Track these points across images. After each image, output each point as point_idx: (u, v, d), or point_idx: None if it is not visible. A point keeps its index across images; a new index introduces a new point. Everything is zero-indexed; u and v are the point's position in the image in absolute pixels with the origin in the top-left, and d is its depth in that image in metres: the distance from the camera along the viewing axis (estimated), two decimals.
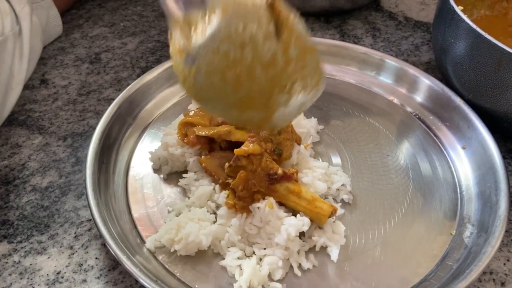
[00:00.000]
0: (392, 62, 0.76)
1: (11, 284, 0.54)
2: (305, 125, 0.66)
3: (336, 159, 0.66)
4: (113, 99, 0.67)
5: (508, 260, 0.57)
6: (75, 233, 0.58)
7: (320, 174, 0.60)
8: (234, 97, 0.45)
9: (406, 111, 0.73)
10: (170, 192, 0.61)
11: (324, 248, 0.56)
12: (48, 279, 0.54)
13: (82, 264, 0.55)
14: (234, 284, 0.52)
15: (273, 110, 0.46)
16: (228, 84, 0.44)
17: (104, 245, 0.57)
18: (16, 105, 0.71)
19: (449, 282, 0.51)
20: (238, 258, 0.54)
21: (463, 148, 0.66)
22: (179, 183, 0.61)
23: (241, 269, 0.53)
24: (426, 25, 0.94)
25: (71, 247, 0.57)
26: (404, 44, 0.89)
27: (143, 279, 0.48)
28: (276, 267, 0.53)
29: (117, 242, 0.52)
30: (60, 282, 0.54)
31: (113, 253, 0.51)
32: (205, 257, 0.55)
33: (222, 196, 0.57)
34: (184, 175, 0.61)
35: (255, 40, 0.43)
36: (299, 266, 0.54)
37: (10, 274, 0.54)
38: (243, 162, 0.55)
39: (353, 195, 0.61)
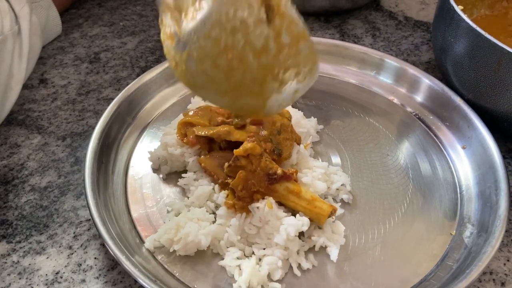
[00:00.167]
0: (392, 61, 0.76)
1: (10, 284, 0.53)
2: (305, 125, 0.66)
3: (336, 159, 0.66)
4: (113, 99, 0.67)
5: (508, 260, 0.57)
6: (74, 233, 0.58)
7: (319, 174, 0.60)
8: (227, 83, 0.45)
9: (406, 110, 0.73)
10: (169, 192, 0.61)
11: (323, 248, 0.55)
12: (47, 279, 0.54)
13: (81, 264, 0.55)
14: (234, 284, 0.52)
15: (267, 97, 0.46)
16: (220, 70, 0.44)
17: (103, 245, 0.57)
18: (15, 105, 0.71)
19: (449, 282, 0.51)
20: (238, 258, 0.54)
21: (463, 148, 0.66)
22: (178, 183, 0.61)
23: (240, 269, 0.52)
24: (426, 25, 0.93)
25: (70, 247, 0.57)
26: (404, 44, 0.89)
27: (142, 279, 0.48)
28: (276, 267, 0.53)
29: (116, 242, 0.51)
30: (59, 282, 0.54)
31: (112, 253, 0.51)
32: (204, 257, 0.55)
33: (221, 196, 0.57)
34: (183, 175, 0.61)
35: (246, 25, 0.42)
36: (299, 266, 0.54)
37: (9, 274, 0.54)
38: (243, 162, 0.55)
39: (352, 195, 0.61)
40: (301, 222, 0.54)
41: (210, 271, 0.53)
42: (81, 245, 0.57)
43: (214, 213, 0.57)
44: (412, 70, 0.74)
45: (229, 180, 0.56)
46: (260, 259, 0.54)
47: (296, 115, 0.66)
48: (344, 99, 0.75)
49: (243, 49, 0.43)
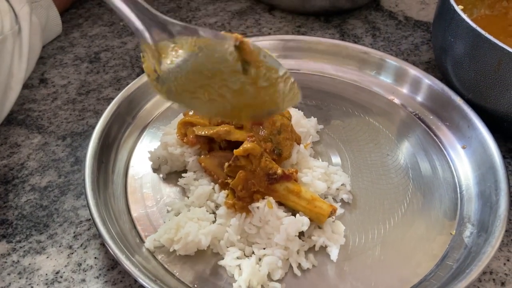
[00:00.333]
0: (392, 61, 0.76)
1: (9, 283, 0.53)
2: (305, 125, 0.66)
3: (336, 159, 0.66)
4: (113, 99, 0.67)
5: (508, 260, 0.57)
6: (74, 232, 0.58)
7: (319, 173, 0.60)
8: (208, 108, 0.47)
9: (406, 110, 0.73)
10: (169, 191, 0.61)
11: (323, 248, 0.55)
12: (47, 279, 0.54)
13: (81, 264, 0.55)
14: (234, 284, 0.52)
15: (247, 117, 0.50)
16: (201, 100, 0.46)
17: (103, 244, 0.57)
18: (15, 105, 0.71)
19: (449, 282, 0.51)
20: (238, 258, 0.54)
21: (463, 147, 0.66)
22: (178, 183, 0.61)
23: (240, 269, 0.52)
24: (426, 25, 0.93)
25: (70, 247, 0.57)
26: (404, 44, 0.89)
27: (142, 279, 0.48)
28: (276, 267, 0.53)
29: (116, 242, 0.51)
30: (59, 282, 0.54)
31: (112, 253, 0.51)
32: (204, 256, 0.55)
33: (221, 196, 0.57)
34: (183, 174, 0.61)
35: (222, 73, 0.45)
36: (299, 266, 0.54)
37: (9, 274, 0.54)
38: (243, 162, 0.55)
39: (352, 194, 0.61)
40: (301, 222, 0.54)
41: (210, 271, 0.53)
42: (81, 245, 0.57)
43: (214, 213, 0.58)
44: (412, 70, 0.74)
45: (229, 180, 0.56)
46: (260, 259, 0.54)
47: (296, 115, 0.66)
48: (344, 99, 0.75)
49: (220, 89, 0.46)
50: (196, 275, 0.53)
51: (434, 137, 0.69)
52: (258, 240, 0.55)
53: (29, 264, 0.55)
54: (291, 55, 0.79)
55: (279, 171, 0.55)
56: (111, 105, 0.66)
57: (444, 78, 0.74)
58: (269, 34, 0.90)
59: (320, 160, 0.64)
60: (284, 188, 0.56)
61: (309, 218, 0.55)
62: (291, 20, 0.94)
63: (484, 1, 0.77)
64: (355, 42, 0.88)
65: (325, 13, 0.95)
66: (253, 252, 0.54)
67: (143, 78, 0.71)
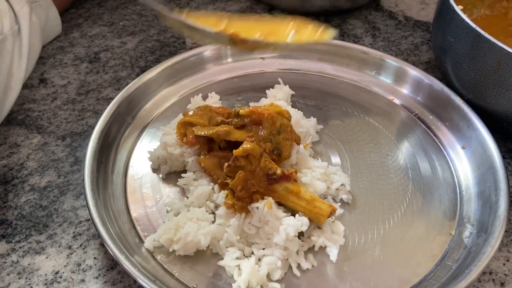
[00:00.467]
0: (392, 61, 0.76)
1: (9, 284, 0.53)
2: (305, 125, 0.66)
3: (336, 159, 0.66)
4: (112, 99, 0.67)
5: (507, 260, 0.57)
6: (73, 233, 0.58)
7: (319, 174, 0.60)
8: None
9: (405, 110, 0.73)
10: (169, 191, 0.61)
11: (323, 248, 0.55)
12: (46, 279, 0.54)
13: (80, 264, 0.55)
14: (233, 284, 0.52)
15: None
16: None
17: (102, 245, 0.57)
18: (15, 105, 0.71)
19: (448, 282, 0.51)
20: (237, 258, 0.53)
21: (463, 148, 0.66)
22: (178, 183, 0.61)
23: (239, 269, 0.52)
24: (426, 25, 0.93)
25: (70, 247, 0.57)
26: (404, 44, 0.89)
27: (141, 279, 0.48)
28: (275, 267, 0.52)
29: (115, 242, 0.51)
30: (59, 282, 0.54)
31: (111, 253, 0.50)
32: (203, 257, 0.55)
33: (221, 196, 0.57)
34: (183, 174, 0.61)
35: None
36: (298, 266, 0.54)
37: (8, 274, 0.54)
38: (242, 162, 0.55)
39: (352, 195, 0.61)
40: (301, 222, 0.54)
41: (209, 271, 0.53)
42: (81, 245, 0.57)
43: (213, 213, 0.57)
44: (412, 70, 0.74)
45: (229, 180, 0.56)
46: (259, 259, 0.54)
47: (295, 115, 0.66)
48: (344, 99, 0.75)
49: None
50: (196, 275, 0.53)
51: (434, 137, 0.69)
52: (257, 241, 0.54)
53: (29, 264, 0.55)
54: (290, 55, 0.80)
55: (279, 171, 0.55)
56: (110, 105, 0.66)
57: (444, 78, 0.74)
58: None
59: (319, 160, 0.64)
60: (284, 189, 0.56)
61: (309, 218, 0.55)
62: None
63: (484, 1, 0.77)
64: (355, 42, 0.88)
65: (325, 13, 0.95)
66: (252, 253, 0.54)
67: (143, 78, 0.71)
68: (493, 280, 0.55)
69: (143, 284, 0.48)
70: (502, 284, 0.55)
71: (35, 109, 0.74)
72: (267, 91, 0.71)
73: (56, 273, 0.54)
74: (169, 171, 0.63)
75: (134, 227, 0.57)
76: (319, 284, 0.53)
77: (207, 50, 0.77)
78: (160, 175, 0.63)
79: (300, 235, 0.55)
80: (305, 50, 0.79)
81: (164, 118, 0.70)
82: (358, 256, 0.55)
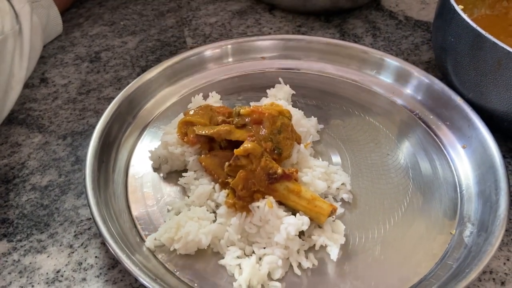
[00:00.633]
0: (392, 61, 0.76)
1: (10, 282, 0.54)
2: (305, 124, 0.66)
3: (336, 158, 0.66)
4: (113, 98, 0.67)
5: (508, 260, 0.57)
6: (74, 231, 0.58)
7: (320, 173, 0.60)
8: None
9: (406, 110, 0.73)
10: (169, 191, 0.61)
11: (323, 247, 0.56)
12: (47, 278, 0.54)
13: (81, 263, 0.55)
14: (234, 283, 0.52)
15: None
16: None
17: (103, 243, 0.57)
18: (16, 104, 0.71)
19: (449, 281, 0.51)
20: (238, 257, 0.54)
21: (463, 147, 0.66)
22: (178, 182, 0.61)
23: (240, 268, 0.53)
24: (427, 24, 0.93)
25: (71, 246, 0.57)
26: (404, 43, 0.89)
27: (142, 278, 0.48)
28: (276, 266, 0.53)
29: (116, 241, 0.52)
30: (60, 281, 0.54)
31: (112, 252, 0.51)
32: (204, 256, 0.55)
33: (221, 195, 0.57)
34: (184, 174, 0.61)
35: None
36: (299, 265, 0.54)
37: (9, 273, 0.54)
38: (243, 162, 0.55)
39: (353, 194, 0.61)
40: (301, 221, 0.54)
41: (210, 270, 0.54)
42: (82, 244, 0.57)
43: (214, 212, 0.58)
44: (413, 70, 0.74)
45: (230, 180, 0.56)
46: (260, 258, 0.54)
47: (296, 114, 0.66)
48: (344, 98, 0.75)
49: None
50: (197, 274, 0.53)
51: (434, 137, 0.69)
52: (258, 240, 0.55)
53: (30, 263, 0.55)
54: (291, 55, 0.80)
55: (279, 170, 0.55)
56: (111, 104, 0.66)
57: (444, 77, 0.74)
58: (269, 33, 0.90)
59: (320, 159, 0.64)
60: (284, 188, 0.56)
61: (309, 218, 0.55)
62: (292, 19, 0.94)
63: (484, 1, 0.77)
64: (356, 42, 0.88)
65: (326, 12, 0.95)
66: (253, 252, 0.54)
67: (144, 78, 0.71)
68: (494, 279, 0.56)
69: (144, 283, 0.48)
70: (502, 283, 0.55)
71: (36, 109, 0.74)
72: (267, 91, 0.71)
73: (57, 272, 0.55)
74: (170, 170, 0.63)
75: (135, 226, 0.57)
76: (320, 283, 0.53)
77: (208, 50, 0.77)
78: (161, 174, 0.63)
79: (301, 234, 0.55)
80: (306, 50, 0.79)
81: (165, 118, 0.70)
82: (358, 255, 0.55)
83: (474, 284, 0.55)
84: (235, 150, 0.56)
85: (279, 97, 0.70)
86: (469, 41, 0.64)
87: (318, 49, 0.79)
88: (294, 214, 0.55)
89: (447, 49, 0.70)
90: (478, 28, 0.62)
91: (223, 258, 0.54)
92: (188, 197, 0.59)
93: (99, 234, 0.56)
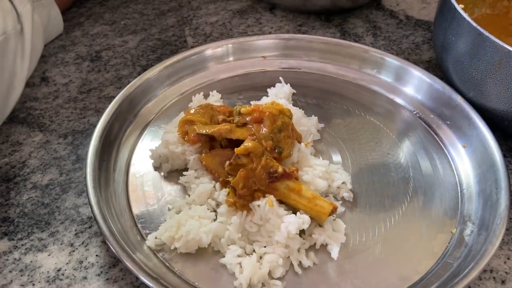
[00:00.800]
0: (392, 60, 0.76)
1: (11, 281, 0.54)
2: (306, 123, 0.66)
3: (337, 157, 0.66)
4: (114, 97, 0.67)
5: (508, 259, 0.57)
6: (75, 230, 0.59)
7: (320, 172, 0.60)
8: None
9: (406, 109, 0.73)
10: (170, 189, 0.62)
11: (324, 246, 0.56)
12: (48, 276, 0.54)
13: (82, 261, 0.55)
14: (234, 282, 0.52)
15: None
16: None
17: (104, 242, 0.57)
18: (16, 103, 0.71)
19: (449, 280, 0.51)
20: (238, 256, 0.54)
21: (464, 146, 0.66)
22: (179, 181, 0.61)
23: (241, 267, 0.53)
24: (427, 24, 0.93)
25: (72, 245, 0.57)
26: (405, 43, 0.89)
27: (143, 277, 0.49)
28: (276, 265, 0.53)
29: (117, 240, 0.52)
30: (61, 279, 0.54)
31: (113, 251, 0.51)
32: (205, 254, 0.55)
33: (222, 194, 0.57)
34: (184, 173, 0.61)
35: None
36: (300, 264, 0.54)
37: (10, 271, 0.54)
38: (244, 160, 0.55)
39: (353, 193, 0.61)
40: (302, 220, 0.54)
41: (211, 269, 0.54)
42: (83, 243, 0.57)
43: (215, 211, 0.58)
44: (413, 69, 0.74)
45: (230, 178, 0.56)
46: (261, 257, 0.54)
47: (297, 113, 0.66)
48: (345, 97, 0.75)
49: None
50: (197, 273, 0.53)
51: (435, 136, 0.69)
52: (259, 238, 0.55)
53: (31, 261, 0.55)
54: (292, 54, 0.80)
55: (280, 169, 0.55)
56: (112, 103, 0.66)
57: (445, 77, 0.74)
58: (270, 33, 0.90)
59: (320, 158, 0.64)
60: (285, 187, 0.56)
61: (310, 216, 0.55)
62: (292, 19, 0.94)
63: (485, 0, 0.77)
64: (356, 41, 0.88)
65: (326, 12, 0.95)
66: (254, 250, 0.54)
67: (144, 77, 0.71)
68: (494, 278, 0.56)
69: (145, 281, 0.48)
70: (503, 282, 0.55)
71: (37, 108, 0.74)
72: (268, 90, 0.72)
73: (58, 270, 0.55)
74: (171, 169, 0.63)
75: (136, 225, 0.57)
76: (320, 282, 0.53)
77: (209, 49, 0.77)
78: (162, 173, 0.63)
79: (301, 233, 0.56)
80: (306, 49, 0.79)
81: (165, 117, 0.70)
82: (359, 254, 0.55)
83: (474, 283, 0.55)
84: (235, 149, 0.56)
85: (279, 96, 0.70)
86: (470, 40, 0.64)
87: (318, 48, 0.79)
88: (295, 213, 0.55)
89: (447, 49, 0.70)
90: (479, 28, 0.62)
91: (223, 256, 0.54)
92: (189, 196, 0.59)
93: (100, 233, 0.56)
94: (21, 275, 0.54)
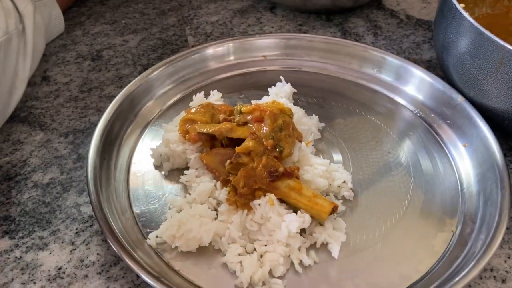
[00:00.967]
0: (393, 60, 0.76)
1: (12, 279, 0.54)
2: (306, 123, 0.66)
3: (337, 156, 0.66)
4: (115, 96, 0.68)
5: (509, 257, 0.57)
6: (76, 229, 0.59)
7: (321, 171, 0.60)
8: None
9: (407, 109, 0.73)
10: (171, 188, 0.62)
11: (325, 245, 0.56)
12: (49, 275, 0.54)
13: (83, 260, 0.56)
14: (235, 281, 0.52)
15: None
16: None
17: (105, 241, 0.57)
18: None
19: (450, 279, 0.51)
20: (239, 254, 0.54)
21: (464, 146, 0.66)
22: (180, 180, 0.61)
23: (242, 266, 0.53)
24: (428, 23, 0.93)
25: (73, 243, 0.57)
26: (405, 42, 0.89)
27: (144, 275, 0.49)
28: (277, 263, 0.53)
29: (118, 238, 0.52)
30: (62, 278, 0.54)
31: (114, 249, 0.51)
32: (206, 253, 0.55)
33: (223, 193, 0.58)
34: (185, 171, 0.61)
35: None
36: (300, 262, 0.54)
37: (11, 270, 0.55)
38: (244, 159, 0.55)
39: (354, 192, 0.61)
40: (303, 219, 0.54)
41: (211, 267, 0.54)
42: (84, 241, 0.57)
43: (215, 209, 0.58)
44: (414, 69, 0.74)
45: (231, 177, 0.57)
46: (261, 256, 0.54)
47: (297, 112, 0.66)
48: (345, 97, 0.75)
49: None
50: (198, 272, 0.53)
51: (435, 135, 0.69)
52: (259, 237, 0.55)
53: (32, 260, 0.55)
54: (292, 54, 0.80)
55: (281, 168, 0.55)
56: (113, 102, 0.66)
57: (446, 76, 0.74)
58: (271, 32, 0.90)
59: (321, 157, 0.64)
60: (286, 186, 0.56)
61: (311, 215, 0.55)
62: (293, 18, 0.94)
63: (485, 0, 0.77)
64: (357, 41, 0.88)
65: (327, 11, 0.95)
66: (254, 249, 0.54)
67: (145, 76, 0.71)
68: (494, 277, 0.56)
69: (146, 279, 0.48)
70: (503, 281, 0.55)
71: (38, 107, 0.74)
72: (269, 89, 0.72)
73: (59, 269, 0.55)
74: (172, 168, 0.63)
75: (137, 224, 0.57)
76: (321, 280, 0.53)
77: (209, 48, 0.77)
78: (163, 172, 0.63)
79: (302, 232, 0.56)
80: (307, 49, 0.79)
81: (166, 116, 0.70)
82: (359, 253, 0.56)
83: (475, 281, 0.55)
84: (236, 148, 0.56)
85: (280, 95, 0.70)
86: (470, 39, 0.64)
87: (319, 47, 0.79)
88: (295, 212, 0.55)
89: (448, 48, 0.70)
90: (480, 27, 0.62)
91: (224, 255, 0.54)
92: (190, 194, 0.59)
93: (101, 231, 0.57)
94: (22, 274, 0.54)
